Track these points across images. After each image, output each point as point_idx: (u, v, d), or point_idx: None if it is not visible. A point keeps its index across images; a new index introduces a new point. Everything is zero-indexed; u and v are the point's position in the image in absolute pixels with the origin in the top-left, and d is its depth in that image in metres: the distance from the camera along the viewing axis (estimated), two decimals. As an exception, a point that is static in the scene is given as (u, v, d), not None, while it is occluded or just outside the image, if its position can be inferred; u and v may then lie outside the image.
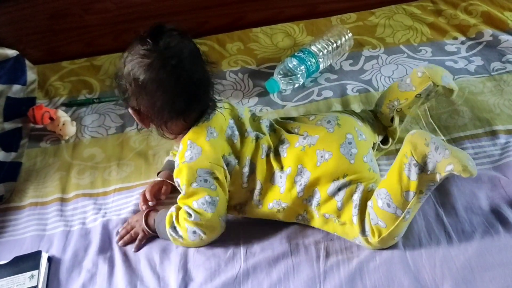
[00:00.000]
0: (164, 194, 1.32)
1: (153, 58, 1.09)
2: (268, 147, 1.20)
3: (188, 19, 1.85)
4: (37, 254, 1.23)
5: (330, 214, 1.14)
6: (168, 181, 1.32)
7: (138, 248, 1.22)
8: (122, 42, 1.80)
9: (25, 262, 1.22)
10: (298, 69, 1.59)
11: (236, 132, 1.20)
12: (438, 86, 1.27)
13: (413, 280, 1.06)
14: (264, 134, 1.23)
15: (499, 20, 1.75)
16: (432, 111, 1.46)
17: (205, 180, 1.14)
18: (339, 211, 1.13)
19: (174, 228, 1.18)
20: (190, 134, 1.17)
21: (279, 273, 1.13)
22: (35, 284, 1.17)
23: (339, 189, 1.13)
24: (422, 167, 1.04)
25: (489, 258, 1.07)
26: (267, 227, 1.23)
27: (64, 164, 1.48)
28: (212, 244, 1.21)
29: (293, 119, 1.29)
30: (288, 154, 1.18)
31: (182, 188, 1.17)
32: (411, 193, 1.06)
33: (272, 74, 1.63)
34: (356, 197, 1.12)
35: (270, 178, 1.18)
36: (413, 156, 1.04)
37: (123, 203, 1.35)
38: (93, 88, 1.72)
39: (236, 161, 1.18)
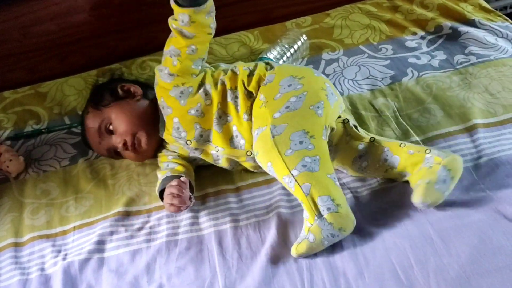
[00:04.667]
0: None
1: None
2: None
3: (136, 36, 1.75)
4: (-7, 309, 1.11)
5: (265, 97, 1.23)
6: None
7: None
8: (68, 65, 1.72)
9: (-21, 320, 1.10)
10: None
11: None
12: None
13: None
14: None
15: (456, 12, 1.72)
16: (401, 111, 1.41)
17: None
18: (273, 100, 1.21)
19: None
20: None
21: (264, 302, 1.04)
22: None
23: (290, 85, 1.22)
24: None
25: (484, 264, 1.00)
26: (244, 247, 1.15)
27: (15, 204, 1.35)
28: (188, 275, 1.12)
29: None
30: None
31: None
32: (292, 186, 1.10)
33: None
34: (294, 101, 1.18)
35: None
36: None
37: (85, 241, 1.23)
38: (41, 118, 1.59)
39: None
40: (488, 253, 1.02)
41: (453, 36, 1.64)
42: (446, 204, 1.13)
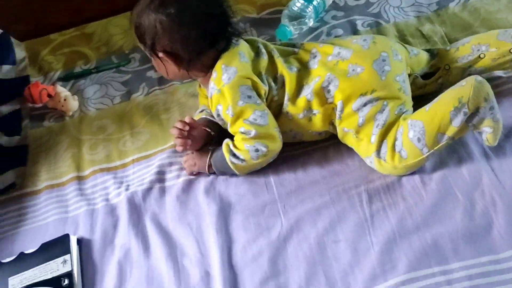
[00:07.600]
0: (196, 127, 1.23)
1: None
2: (298, 62, 1.19)
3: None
4: (65, 238, 1.18)
5: (350, 128, 1.14)
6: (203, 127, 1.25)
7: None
8: (112, 5, 1.73)
9: (54, 248, 1.17)
10: (307, 9, 1.50)
11: (264, 50, 1.20)
12: None
13: (466, 214, 1.03)
14: (294, 53, 1.22)
15: None
16: (450, 36, 1.40)
17: (249, 96, 1.14)
18: (359, 127, 1.12)
19: (234, 155, 1.16)
20: (222, 60, 1.16)
21: (324, 223, 1.09)
22: (70, 269, 1.12)
23: (365, 104, 1.12)
24: (470, 118, 1.02)
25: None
26: (300, 175, 1.18)
27: (74, 141, 1.41)
28: (247, 202, 1.16)
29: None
30: (318, 66, 1.17)
31: (228, 111, 1.14)
32: (446, 137, 1.05)
33: (275, 20, 1.54)
34: (380, 117, 1.11)
35: (298, 92, 1.17)
36: (468, 104, 1.01)
37: (145, 173, 1.28)
38: (89, 58, 1.62)
39: (268, 76, 1.18)
40: None
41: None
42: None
